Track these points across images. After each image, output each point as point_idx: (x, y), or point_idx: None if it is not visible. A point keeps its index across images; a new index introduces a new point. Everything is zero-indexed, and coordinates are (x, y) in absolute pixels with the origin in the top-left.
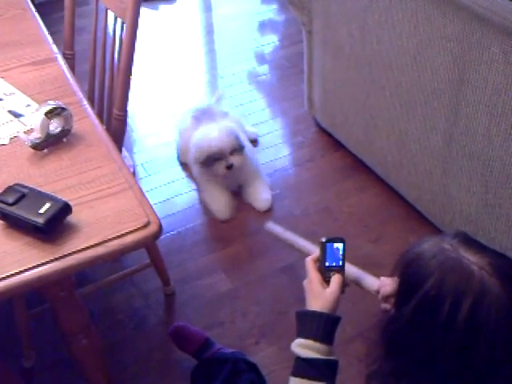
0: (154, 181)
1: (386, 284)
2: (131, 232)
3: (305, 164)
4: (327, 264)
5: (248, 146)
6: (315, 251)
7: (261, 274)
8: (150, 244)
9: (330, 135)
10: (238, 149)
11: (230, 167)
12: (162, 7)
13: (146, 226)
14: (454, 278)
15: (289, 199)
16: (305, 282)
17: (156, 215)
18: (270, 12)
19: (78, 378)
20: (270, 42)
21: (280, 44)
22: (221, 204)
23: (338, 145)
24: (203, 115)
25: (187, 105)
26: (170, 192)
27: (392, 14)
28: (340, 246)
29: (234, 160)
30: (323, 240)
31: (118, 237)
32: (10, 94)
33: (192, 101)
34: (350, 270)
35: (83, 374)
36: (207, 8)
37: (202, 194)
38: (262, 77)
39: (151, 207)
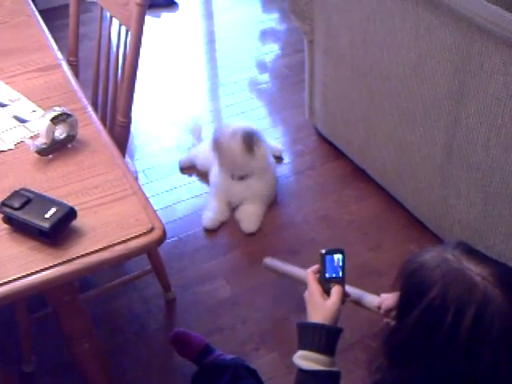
0: (155, 187)
1: (386, 298)
2: (135, 237)
3: (305, 172)
4: (327, 276)
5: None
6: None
7: (261, 281)
8: (152, 250)
9: (330, 143)
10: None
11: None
12: (164, 15)
13: (150, 231)
14: (457, 289)
15: (289, 207)
16: (305, 294)
17: (160, 221)
18: (272, 21)
19: (79, 383)
20: (272, 50)
21: (281, 53)
22: (211, 212)
23: (338, 153)
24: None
25: (188, 112)
26: (171, 199)
27: (393, 24)
28: (339, 257)
29: None
30: (322, 252)
31: (123, 242)
32: (16, 99)
33: (193, 108)
34: (350, 290)
35: (85, 378)
36: (209, 16)
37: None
38: (263, 85)
39: (155, 213)
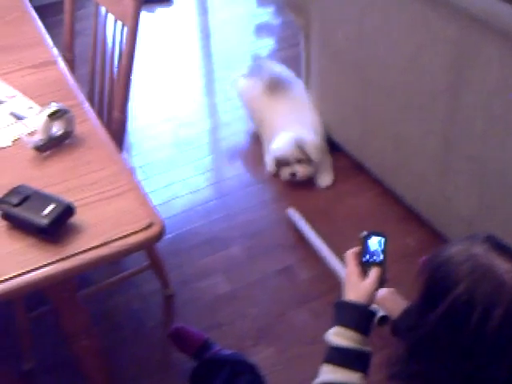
0: (153, 183)
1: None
2: (134, 233)
3: None
4: (367, 258)
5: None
6: (322, 249)
7: (259, 276)
8: (151, 245)
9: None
10: (305, 160)
11: (293, 175)
12: (159, 10)
13: (148, 227)
14: (485, 286)
15: (287, 202)
16: (344, 274)
17: (158, 216)
18: (267, 15)
19: (78, 380)
20: (267, 44)
21: (277, 47)
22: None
23: (335, 147)
24: (278, 85)
25: (184, 108)
26: (168, 195)
27: (389, 17)
28: (381, 240)
29: (299, 170)
30: (364, 234)
31: (121, 238)
32: (12, 96)
33: (189, 103)
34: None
35: (85, 374)
36: (204, 11)
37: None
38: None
39: (153, 208)
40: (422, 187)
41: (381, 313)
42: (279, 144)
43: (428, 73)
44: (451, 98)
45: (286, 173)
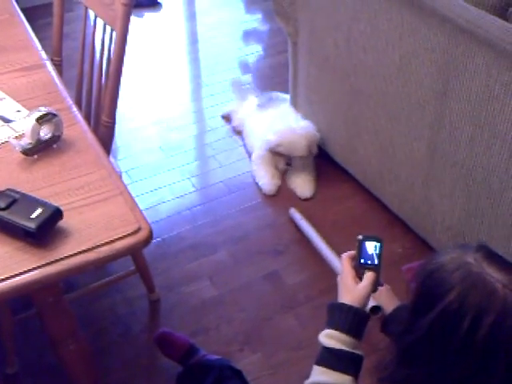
0: (139, 188)
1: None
2: (122, 238)
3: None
4: (362, 261)
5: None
6: (321, 247)
7: (245, 281)
8: (139, 250)
9: None
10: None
11: (289, 164)
12: (148, 15)
13: (136, 231)
14: (476, 294)
15: (273, 207)
16: (338, 277)
17: (146, 221)
18: (255, 21)
19: None
20: (255, 51)
21: (264, 53)
22: (265, 179)
23: (321, 154)
24: (268, 102)
25: (171, 112)
26: (154, 199)
27: (377, 25)
28: (376, 244)
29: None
30: (360, 238)
31: (109, 242)
32: (0, 99)
33: (176, 108)
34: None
35: (71, 379)
36: (192, 17)
37: (254, 168)
38: (246, 86)
39: (141, 213)
40: (407, 194)
41: (373, 303)
42: (293, 139)
43: (415, 81)
44: (438, 106)
45: (281, 162)
